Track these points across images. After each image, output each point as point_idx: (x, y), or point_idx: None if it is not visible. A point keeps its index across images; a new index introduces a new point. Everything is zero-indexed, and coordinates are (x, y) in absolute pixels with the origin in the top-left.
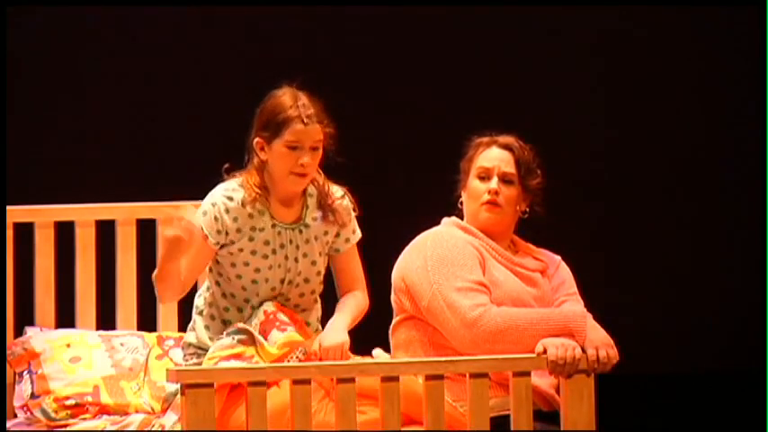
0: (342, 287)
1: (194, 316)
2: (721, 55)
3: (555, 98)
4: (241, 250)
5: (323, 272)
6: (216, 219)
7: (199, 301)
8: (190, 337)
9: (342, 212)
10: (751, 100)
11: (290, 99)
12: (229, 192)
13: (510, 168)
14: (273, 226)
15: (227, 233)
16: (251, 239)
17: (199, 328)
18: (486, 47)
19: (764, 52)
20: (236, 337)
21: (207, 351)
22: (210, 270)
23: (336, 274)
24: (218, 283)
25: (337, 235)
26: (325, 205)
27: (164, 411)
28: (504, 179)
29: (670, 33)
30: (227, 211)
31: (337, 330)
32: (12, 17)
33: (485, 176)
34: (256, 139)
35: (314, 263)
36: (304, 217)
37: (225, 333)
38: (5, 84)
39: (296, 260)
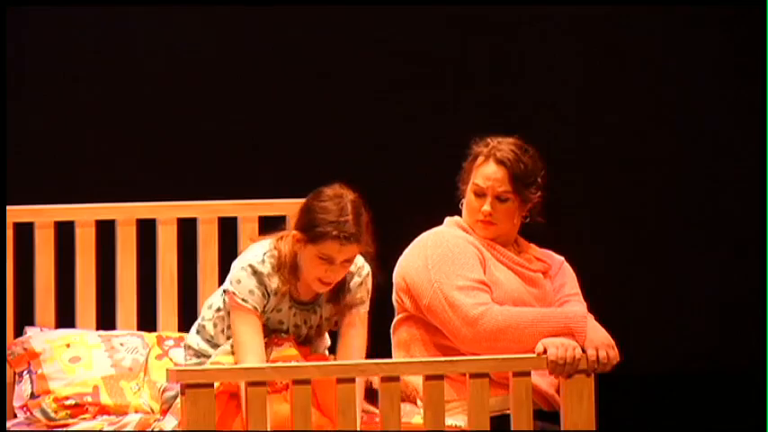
0: (338, 348)
1: (198, 325)
2: (721, 55)
3: (556, 98)
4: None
5: None
6: (255, 291)
7: (207, 314)
8: (192, 340)
9: (353, 294)
10: (751, 100)
11: (335, 210)
12: (260, 271)
13: (505, 187)
14: (291, 308)
15: (268, 296)
16: (267, 319)
17: (200, 339)
18: (488, 44)
19: (765, 52)
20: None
21: (206, 356)
22: (225, 301)
23: (339, 335)
24: (229, 312)
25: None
26: (338, 290)
27: (163, 413)
28: (499, 197)
29: (670, 33)
30: (263, 284)
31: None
32: (12, 17)
33: (480, 194)
34: (294, 232)
35: (321, 336)
36: (320, 296)
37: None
38: (5, 84)
39: (308, 336)
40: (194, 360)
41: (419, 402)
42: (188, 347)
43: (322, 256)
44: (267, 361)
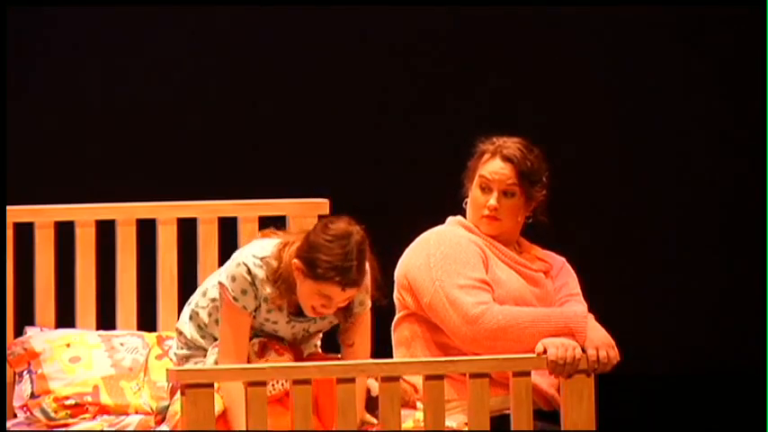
0: (342, 348)
1: (190, 310)
2: (721, 55)
3: (558, 99)
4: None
5: None
6: (248, 291)
7: (201, 301)
8: (183, 326)
9: (354, 301)
10: (751, 100)
11: (340, 253)
12: (255, 274)
13: (511, 181)
14: (288, 322)
15: (260, 301)
16: (261, 324)
17: (192, 325)
18: (492, 45)
19: (764, 52)
20: None
21: (198, 349)
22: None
23: (339, 333)
24: (217, 309)
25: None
26: (344, 312)
27: (158, 423)
28: (506, 192)
29: (670, 34)
30: (256, 286)
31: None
32: (12, 17)
33: (486, 188)
34: (295, 261)
35: (316, 345)
36: None
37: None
38: (5, 84)
39: (305, 341)
40: (184, 351)
41: (419, 405)
42: (180, 333)
43: (321, 294)
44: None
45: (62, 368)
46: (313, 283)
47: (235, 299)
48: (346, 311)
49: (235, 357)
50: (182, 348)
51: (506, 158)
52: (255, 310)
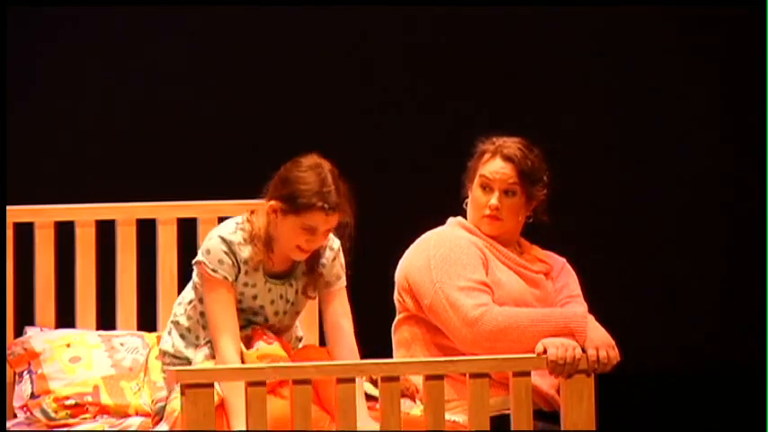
0: (325, 326)
1: (170, 324)
2: (721, 55)
3: (558, 99)
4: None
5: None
6: (224, 260)
7: (178, 310)
8: (166, 344)
9: (329, 269)
10: (751, 100)
11: (316, 180)
12: (231, 240)
13: (512, 181)
14: (266, 283)
15: (238, 266)
16: (241, 293)
17: (175, 336)
18: (493, 45)
19: (764, 52)
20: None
21: (184, 360)
22: (196, 288)
23: (321, 311)
24: (201, 301)
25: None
26: (314, 262)
27: (155, 424)
28: (507, 191)
29: (670, 34)
30: (233, 252)
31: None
32: (12, 17)
33: (486, 187)
34: (271, 203)
35: (298, 312)
36: (295, 269)
37: (204, 340)
38: (5, 84)
39: (285, 312)
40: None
41: (418, 402)
42: (164, 354)
43: (305, 226)
44: (251, 353)
45: (62, 368)
46: (295, 218)
47: (214, 270)
48: (320, 268)
49: (226, 331)
50: (168, 366)
51: (507, 158)
52: (236, 279)
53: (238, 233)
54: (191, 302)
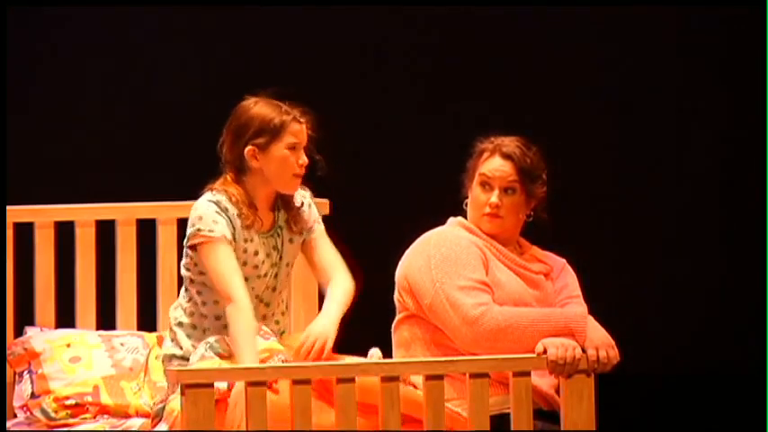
0: (318, 275)
1: (174, 328)
2: (721, 55)
3: (558, 99)
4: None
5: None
6: (219, 218)
7: (176, 313)
8: (172, 349)
9: (307, 215)
10: (751, 100)
11: (270, 105)
12: (217, 200)
13: (512, 178)
14: (259, 237)
15: (233, 224)
16: (244, 251)
17: (181, 338)
18: (491, 46)
19: (765, 52)
20: (213, 348)
21: (187, 359)
22: (192, 281)
23: (311, 264)
24: (199, 293)
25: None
26: (290, 209)
27: (154, 426)
28: (506, 189)
29: (670, 34)
30: (223, 210)
31: (327, 323)
32: (12, 17)
33: (486, 185)
34: (248, 148)
35: (288, 264)
36: (278, 220)
37: (203, 342)
38: (5, 84)
39: (278, 266)
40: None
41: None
42: (170, 358)
43: (290, 145)
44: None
45: (62, 368)
46: (277, 144)
47: (211, 231)
48: (298, 220)
49: (235, 289)
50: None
51: (506, 156)
52: (234, 239)
53: (219, 197)
54: (189, 300)
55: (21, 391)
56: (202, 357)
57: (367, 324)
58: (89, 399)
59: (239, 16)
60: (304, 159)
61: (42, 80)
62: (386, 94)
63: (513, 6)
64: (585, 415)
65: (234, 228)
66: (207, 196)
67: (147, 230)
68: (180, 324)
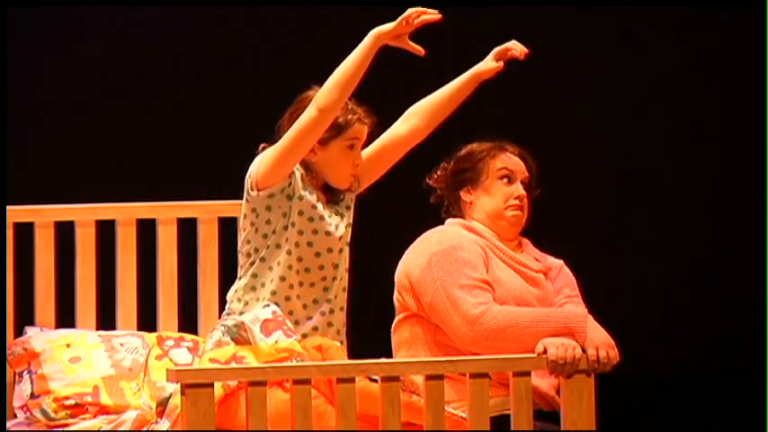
0: (404, 133)
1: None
2: (721, 55)
3: (558, 99)
4: (301, 233)
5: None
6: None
7: (232, 295)
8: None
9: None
10: (751, 100)
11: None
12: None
13: (527, 174)
14: (326, 206)
15: (301, 181)
16: (313, 207)
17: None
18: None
19: (765, 52)
20: (231, 332)
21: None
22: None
23: (392, 146)
24: (289, 252)
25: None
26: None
27: (159, 415)
28: (523, 182)
29: (670, 34)
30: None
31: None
32: (12, 17)
33: (508, 177)
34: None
35: (347, 246)
36: (339, 197)
37: (220, 324)
38: (5, 84)
39: (343, 241)
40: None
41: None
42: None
43: (349, 143)
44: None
45: (62, 368)
46: (339, 141)
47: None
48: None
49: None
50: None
51: (519, 155)
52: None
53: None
54: (246, 286)
55: (20, 392)
56: (219, 343)
57: (367, 324)
58: (89, 399)
59: (240, 16)
60: (361, 159)
61: (42, 80)
62: (386, 94)
63: (512, 6)
64: (585, 415)
65: (302, 182)
66: None
67: (147, 230)
68: (238, 299)
